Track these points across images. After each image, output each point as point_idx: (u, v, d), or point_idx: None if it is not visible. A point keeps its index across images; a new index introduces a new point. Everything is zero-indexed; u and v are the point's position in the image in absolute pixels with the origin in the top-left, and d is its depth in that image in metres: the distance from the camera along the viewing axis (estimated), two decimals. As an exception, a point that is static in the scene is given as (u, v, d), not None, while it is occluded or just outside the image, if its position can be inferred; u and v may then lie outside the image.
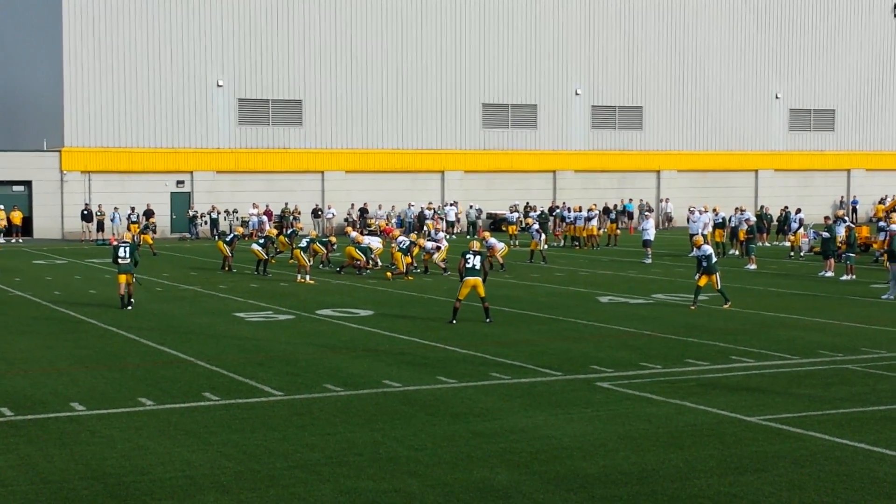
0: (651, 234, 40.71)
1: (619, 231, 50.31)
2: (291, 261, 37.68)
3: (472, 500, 10.60)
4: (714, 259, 26.28)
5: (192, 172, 58.79)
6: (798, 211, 45.67)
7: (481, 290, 22.85)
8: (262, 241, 36.31)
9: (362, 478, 11.34)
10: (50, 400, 15.24)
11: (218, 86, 58.43)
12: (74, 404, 14.93)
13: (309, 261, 33.42)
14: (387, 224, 49.23)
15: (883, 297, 27.90)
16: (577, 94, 65.79)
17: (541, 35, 64.70)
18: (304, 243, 34.21)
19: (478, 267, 22.86)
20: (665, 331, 21.88)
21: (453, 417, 14.10)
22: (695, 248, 26.98)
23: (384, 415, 14.26)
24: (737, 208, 44.59)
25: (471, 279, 22.79)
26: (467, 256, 22.92)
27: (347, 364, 18.13)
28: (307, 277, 32.59)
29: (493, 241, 36.32)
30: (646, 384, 16.27)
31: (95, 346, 20.24)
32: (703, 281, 25.87)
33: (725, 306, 25.62)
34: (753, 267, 36.60)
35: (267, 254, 35.75)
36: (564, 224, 51.28)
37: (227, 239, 38.02)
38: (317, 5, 59.95)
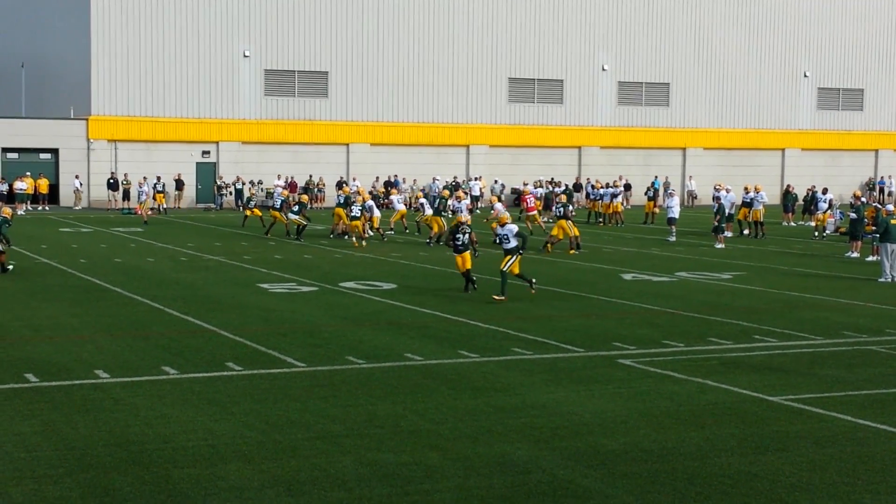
0: (676, 212, 40.54)
1: (657, 209, 49.93)
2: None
3: (493, 474, 10.64)
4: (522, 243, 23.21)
5: (217, 143, 58.92)
6: (825, 191, 45.28)
7: (468, 263, 23.98)
8: (296, 208, 37.44)
9: (383, 450, 11.39)
10: (75, 367, 15.36)
11: (244, 56, 58.45)
12: (99, 372, 15.04)
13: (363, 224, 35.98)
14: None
15: (880, 279, 27.47)
16: (604, 69, 65.46)
17: (568, 9, 64.34)
18: (356, 211, 35.91)
19: (466, 242, 24.06)
20: (688, 309, 21.83)
21: (475, 392, 14.13)
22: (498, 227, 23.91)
23: (406, 388, 14.30)
24: (722, 186, 44.40)
25: (458, 255, 24.07)
26: (457, 235, 24.30)
27: (370, 337, 18.18)
28: (363, 242, 35.02)
29: (499, 206, 36.62)
30: (668, 362, 16.25)
31: (120, 315, 20.37)
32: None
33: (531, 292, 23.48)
34: (721, 245, 36.60)
35: (307, 218, 37.49)
36: (588, 200, 51.07)
37: (277, 206, 39.89)
38: (344, -23, 59.79)
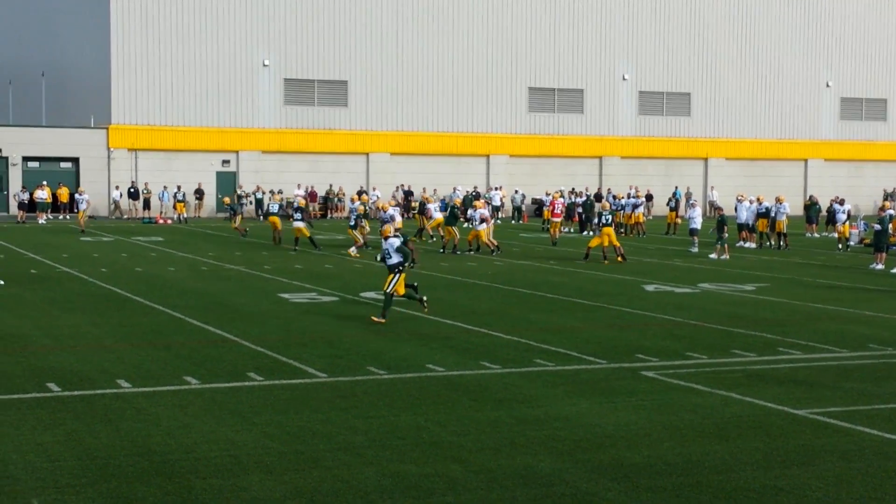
0: (698, 223, 40.43)
1: (679, 220, 50.01)
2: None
3: (515, 487, 10.56)
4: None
5: (237, 152, 59.13)
6: (842, 202, 45.01)
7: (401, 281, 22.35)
8: (298, 215, 37.19)
9: (405, 461, 11.32)
10: (97, 376, 15.35)
11: (264, 65, 58.64)
12: (121, 381, 15.03)
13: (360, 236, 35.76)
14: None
15: None
16: (624, 79, 65.39)
17: (588, 19, 64.32)
18: (353, 221, 36.01)
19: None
20: (711, 321, 21.70)
21: (497, 403, 14.05)
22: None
23: (427, 399, 14.24)
24: (744, 197, 43.91)
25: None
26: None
27: (391, 347, 18.12)
28: (352, 250, 34.84)
29: (483, 211, 36.66)
30: (691, 374, 16.14)
31: (141, 324, 20.39)
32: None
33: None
34: (725, 256, 36.14)
35: (310, 224, 37.61)
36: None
37: (273, 211, 39.96)
38: (365, -13, 59.94)
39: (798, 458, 11.69)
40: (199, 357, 17.01)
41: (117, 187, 56.52)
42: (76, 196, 49.93)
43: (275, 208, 39.92)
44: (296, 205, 38.78)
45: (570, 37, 64.13)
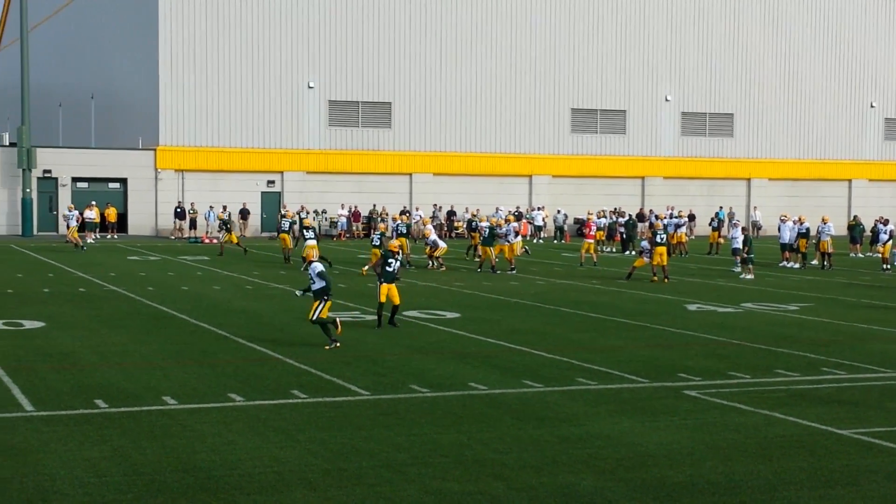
0: (740, 243, 40.17)
1: (721, 239, 49.83)
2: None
3: (557, 505, 10.59)
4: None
5: (282, 173, 59.55)
6: (886, 222, 44.58)
7: (395, 298, 22.59)
8: (311, 234, 36.68)
9: (448, 479, 11.38)
10: (143, 393, 15.55)
11: (309, 87, 59.09)
12: (166, 398, 15.21)
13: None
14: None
15: None
16: (666, 100, 65.23)
17: (631, 40, 64.28)
18: (375, 240, 35.43)
19: (397, 271, 22.70)
20: (754, 340, 21.60)
21: (539, 422, 14.09)
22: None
23: (470, 417, 14.29)
24: (787, 217, 43.52)
25: (386, 284, 22.50)
26: (389, 260, 22.71)
27: (434, 366, 18.20)
28: (364, 269, 34.20)
29: (515, 225, 36.70)
30: (734, 394, 16.08)
31: (187, 342, 20.61)
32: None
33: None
34: (750, 277, 35.97)
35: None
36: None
37: (285, 228, 40.24)
38: (407, 9, 60.30)
39: (842, 479, 11.63)
40: (243, 375, 17.17)
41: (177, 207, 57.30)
42: (66, 213, 49.79)
43: (286, 225, 39.90)
44: (301, 223, 38.65)
45: (612, 58, 64.11)
